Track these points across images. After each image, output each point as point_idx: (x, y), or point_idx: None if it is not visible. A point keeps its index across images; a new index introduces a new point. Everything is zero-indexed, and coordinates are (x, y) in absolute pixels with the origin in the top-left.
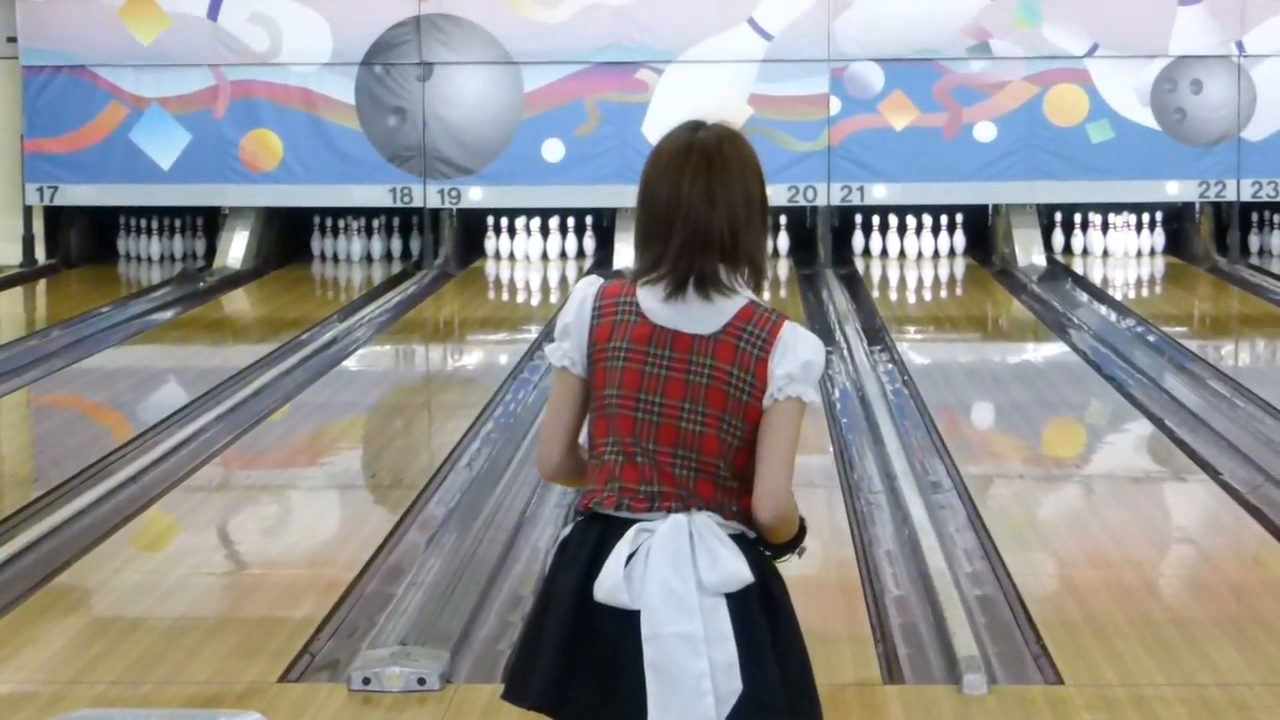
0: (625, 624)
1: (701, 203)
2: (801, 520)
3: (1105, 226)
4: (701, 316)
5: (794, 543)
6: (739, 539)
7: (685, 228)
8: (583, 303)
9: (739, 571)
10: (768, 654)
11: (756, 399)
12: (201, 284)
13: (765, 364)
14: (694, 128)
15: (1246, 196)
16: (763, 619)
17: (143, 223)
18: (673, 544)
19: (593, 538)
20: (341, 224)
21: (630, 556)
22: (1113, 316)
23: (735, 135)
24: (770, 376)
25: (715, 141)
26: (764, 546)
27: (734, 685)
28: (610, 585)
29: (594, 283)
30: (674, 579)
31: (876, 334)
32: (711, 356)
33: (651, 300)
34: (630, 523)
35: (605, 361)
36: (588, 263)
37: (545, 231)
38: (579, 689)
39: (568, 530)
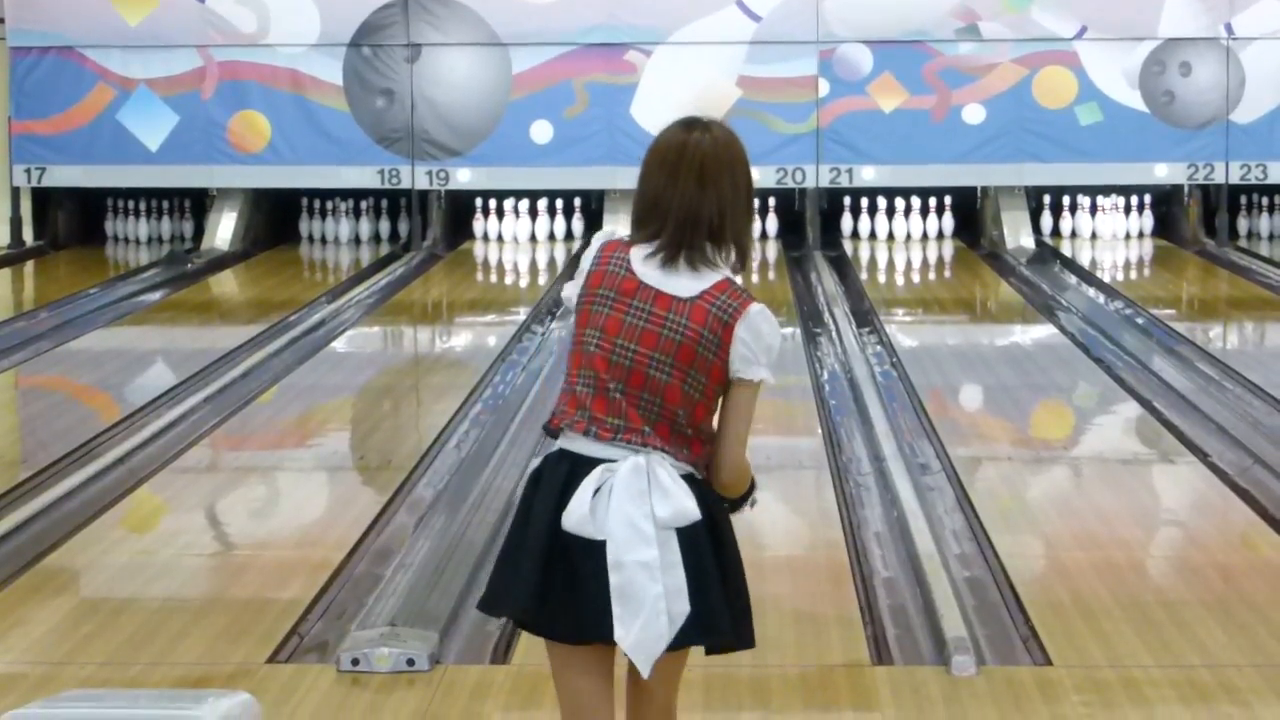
0: (590, 551)
1: (694, 190)
2: (752, 478)
3: (1094, 209)
4: (684, 283)
5: (745, 496)
6: (689, 479)
7: (679, 211)
8: (589, 253)
9: (688, 509)
10: (714, 581)
11: (721, 359)
12: (189, 266)
13: (731, 330)
14: (689, 126)
15: (1235, 179)
16: (710, 550)
17: (130, 204)
18: (633, 483)
19: (563, 472)
20: (329, 206)
21: (596, 492)
22: (1101, 299)
23: (727, 133)
24: (734, 339)
25: (709, 142)
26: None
27: (682, 607)
28: (577, 518)
29: (603, 236)
30: (635, 514)
31: (865, 316)
32: (686, 317)
33: (642, 262)
34: (594, 460)
35: (591, 305)
36: (576, 244)
37: (534, 213)
38: (552, 606)
39: (538, 462)
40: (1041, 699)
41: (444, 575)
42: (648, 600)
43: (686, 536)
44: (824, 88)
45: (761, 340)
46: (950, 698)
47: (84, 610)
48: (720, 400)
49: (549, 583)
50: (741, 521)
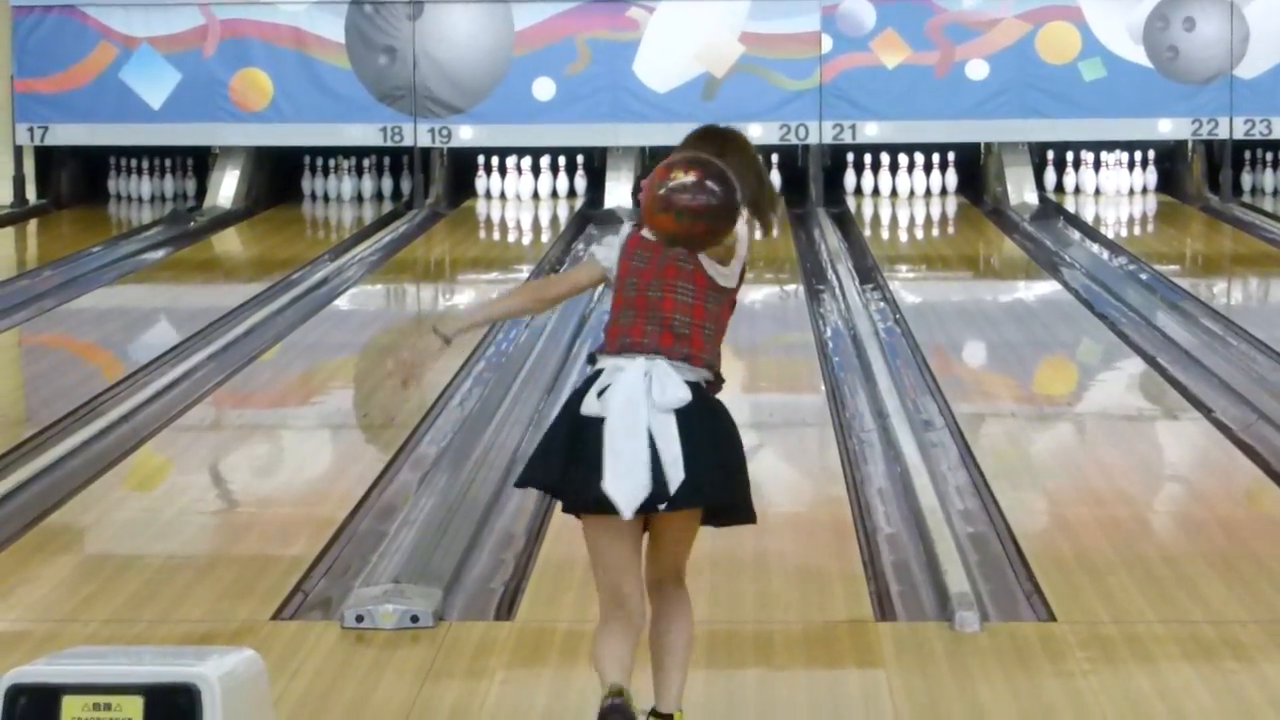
0: (595, 428)
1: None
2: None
3: (1097, 165)
4: None
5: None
6: (694, 386)
7: None
8: (623, 230)
9: (680, 396)
10: (705, 452)
11: (698, 265)
12: (192, 224)
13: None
14: (706, 129)
15: (1239, 134)
16: (705, 429)
17: (133, 163)
18: (634, 377)
19: (586, 376)
20: (332, 163)
21: (605, 389)
22: (1105, 255)
23: (736, 132)
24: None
25: (721, 134)
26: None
27: (678, 474)
28: (588, 402)
29: (630, 224)
30: (634, 397)
31: (868, 273)
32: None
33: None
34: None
35: (630, 262)
36: (578, 202)
37: (536, 171)
38: (568, 478)
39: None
40: (1045, 655)
41: (448, 532)
42: (630, 459)
43: (683, 417)
44: (827, 44)
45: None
46: (953, 653)
47: (88, 568)
48: (721, 305)
49: (566, 458)
50: None
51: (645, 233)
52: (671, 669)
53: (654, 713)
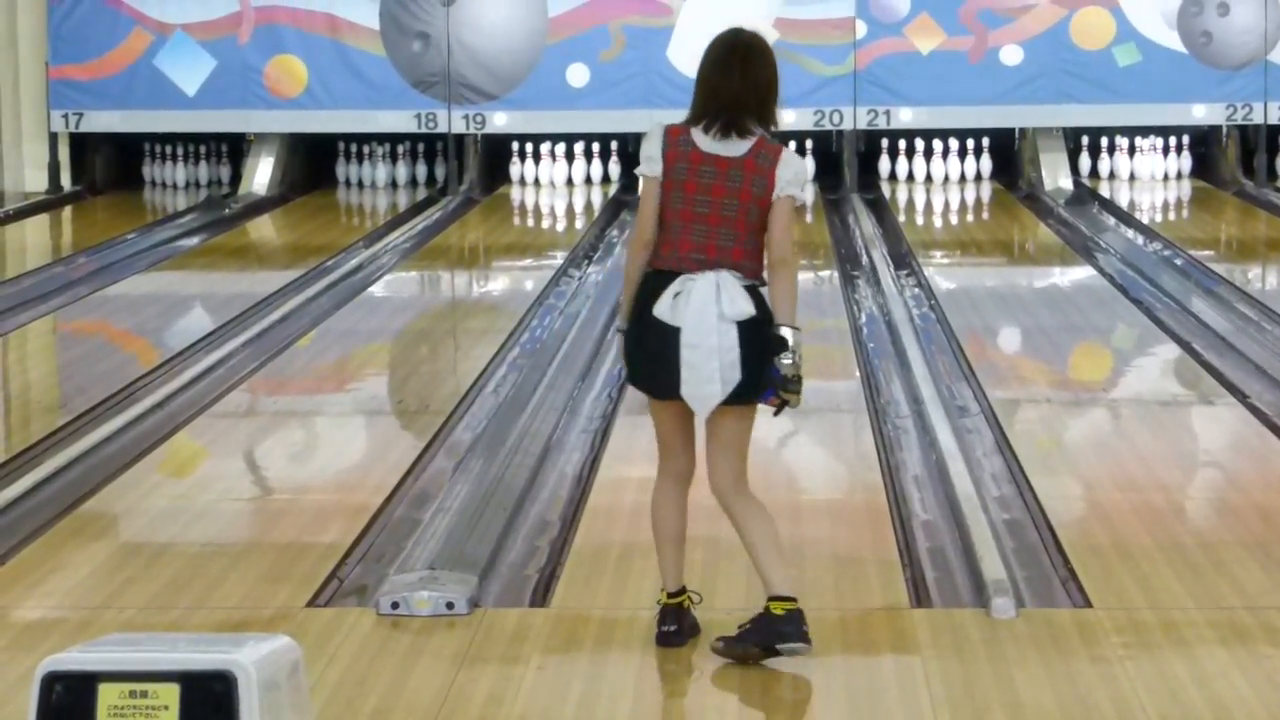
0: (671, 335)
1: (741, 83)
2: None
3: (1132, 150)
4: (734, 146)
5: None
6: (751, 289)
7: (730, 96)
8: (656, 138)
9: (745, 309)
10: (755, 358)
11: (768, 193)
12: (227, 210)
13: (774, 171)
14: (736, 32)
15: (1273, 120)
16: (759, 338)
17: (168, 149)
18: (707, 291)
19: (658, 283)
20: (366, 150)
21: (678, 294)
22: (1139, 240)
23: (760, 38)
24: (777, 179)
25: (751, 41)
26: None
27: (735, 375)
28: (664, 308)
29: (661, 125)
30: (706, 311)
31: (903, 259)
32: (741, 169)
33: (701, 137)
34: (678, 274)
35: (672, 175)
36: (613, 188)
37: (570, 157)
38: (647, 372)
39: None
40: (1081, 641)
41: (482, 519)
42: (705, 370)
43: (743, 328)
44: (861, 29)
45: (795, 170)
46: (990, 640)
47: (123, 555)
48: (761, 216)
49: (646, 356)
50: (780, 465)
51: (700, 144)
52: (765, 564)
53: (772, 597)
